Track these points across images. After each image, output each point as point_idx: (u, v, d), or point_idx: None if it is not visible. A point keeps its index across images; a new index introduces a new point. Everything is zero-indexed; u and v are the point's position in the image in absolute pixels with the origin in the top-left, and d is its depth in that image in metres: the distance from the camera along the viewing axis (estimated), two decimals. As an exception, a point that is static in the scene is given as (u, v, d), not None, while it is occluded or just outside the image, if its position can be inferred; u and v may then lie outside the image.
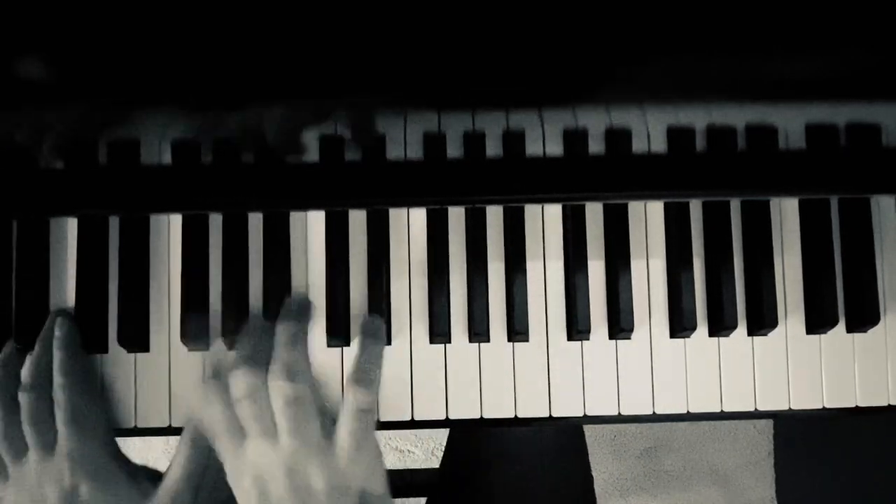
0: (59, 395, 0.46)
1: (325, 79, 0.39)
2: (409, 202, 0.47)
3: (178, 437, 0.46)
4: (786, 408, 0.50)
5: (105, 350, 0.49)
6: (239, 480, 0.42)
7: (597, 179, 0.45)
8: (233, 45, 0.37)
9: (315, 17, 0.36)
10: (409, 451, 1.26)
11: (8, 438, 0.46)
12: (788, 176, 0.45)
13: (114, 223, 0.49)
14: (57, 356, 0.47)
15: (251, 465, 0.42)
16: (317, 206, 0.48)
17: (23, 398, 0.45)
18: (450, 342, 0.49)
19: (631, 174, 0.45)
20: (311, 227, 0.50)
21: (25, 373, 0.46)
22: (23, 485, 0.45)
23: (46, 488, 0.45)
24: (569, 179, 0.45)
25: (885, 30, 0.36)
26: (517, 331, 0.48)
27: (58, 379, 0.46)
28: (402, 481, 0.92)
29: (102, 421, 0.47)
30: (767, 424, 1.23)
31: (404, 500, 0.94)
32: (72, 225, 0.50)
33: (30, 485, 0.45)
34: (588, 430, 0.70)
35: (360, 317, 0.48)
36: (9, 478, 0.46)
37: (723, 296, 0.49)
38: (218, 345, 0.48)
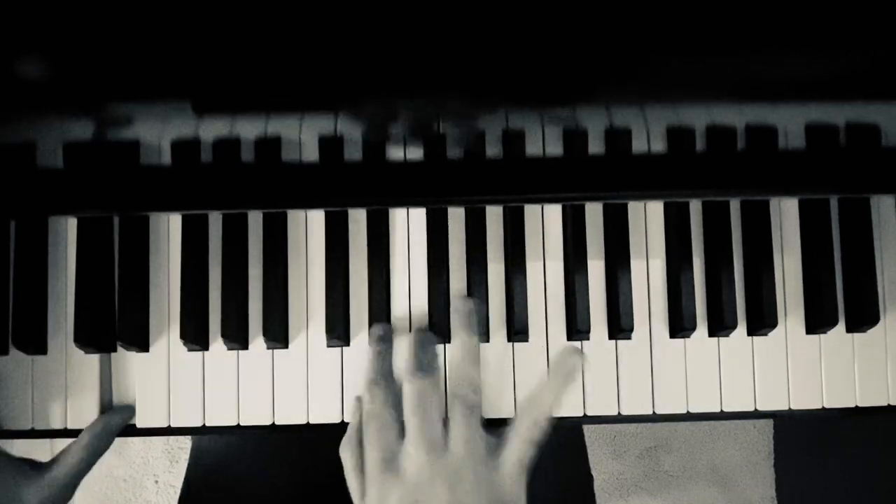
0: None
1: (325, 79, 0.39)
2: (409, 202, 0.47)
3: (178, 438, 0.46)
4: (785, 408, 0.50)
5: (108, 350, 0.49)
6: (383, 487, 0.42)
7: (596, 179, 0.45)
8: (235, 45, 0.37)
9: (307, 16, 0.36)
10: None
11: None
12: (788, 176, 0.45)
13: (113, 222, 0.49)
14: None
15: (409, 475, 0.42)
16: (316, 206, 0.48)
17: None
18: (450, 342, 0.49)
19: (631, 174, 0.45)
20: (311, 227, 0.50)
21: None
22: None
23: None
24: (568, 179, 0.45)
25: (884, 30, 0.36)
26: (517, 331, 0.48)
27: None
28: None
29: None
30: (767, 424, 1.23)
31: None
32: (70, 224, 0.49)
33: None
34: (588, 430, 0.70)
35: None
36: None
37: (723, 296, 0.49)
38: (382, 348, 0.48)
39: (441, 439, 0.43)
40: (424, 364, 0.47)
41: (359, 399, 0.48)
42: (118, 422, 0.48)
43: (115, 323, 0.49)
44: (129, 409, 0.49)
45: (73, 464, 0.46)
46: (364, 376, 0.47)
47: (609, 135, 0.48)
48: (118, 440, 0.49)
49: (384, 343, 0.48)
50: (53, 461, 0.47)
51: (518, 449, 0.44)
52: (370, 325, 0.49)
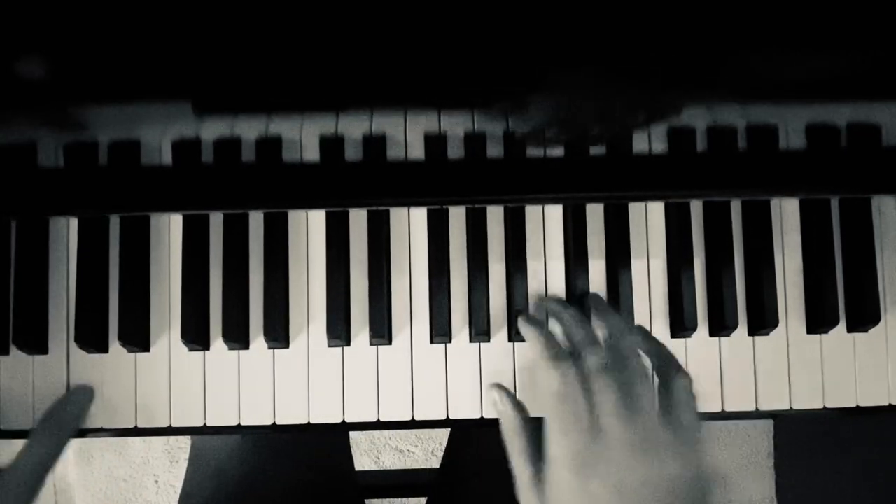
0: None
1: (320, 84, 0.39)
2: (410, 202, 0.47)
3: (178, 438, 0.46)
4: (786, 407, 0.50)
5: (105, 350, 0.49)
6: (583, 474, 0.40)
7: (597, 180, 0.45)
8: (238, 44, 0.37)
9: (308, 16, 0.36)
10: (409, 451, 1.26)
11: None
12: (789, 177, 0.45)
13: (114, 222, 0.49)
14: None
15: (607, 456, 0.40)
16: (317, 206, 0.48)
17: None
18: (450, 342, 0.49)
19: (631, 175, 0.45)
20: (312, 226, 0.50)
21: None
22: None
23: None
24: (570, 180, 0.45)
25: (886, 29, 0.36)
26: (517, 331, 0.48)
27: None
28: (402, 481, 0.92)
29: None
30: (767, 424, 1.23)
31: (404, 500, 0.94)
32: (71, 224, 0.49)
33: None
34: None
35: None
36: None
37: (723, 296, 0.49)
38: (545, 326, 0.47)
39: (634, 411, 0.41)
40: (593, 337, 0.45)
41: (499, 388, 0.47)
42: (72, 413, 0.46)
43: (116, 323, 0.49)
44: (83, 397, 0.46)
45: (29, 464, 0.43)
46: (539, 358, 0.44)
47: (609, 136, 0.48)
48: (118, 440, 0.49)
49: (536, 324, 0.47)
50: (10, 464, 0.43)
51: (689, 406, 0.43)
52: (371, 325, 0.49)
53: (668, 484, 0.40)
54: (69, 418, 0.46)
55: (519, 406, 0.47)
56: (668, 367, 0.45)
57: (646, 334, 0.48)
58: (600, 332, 0.46)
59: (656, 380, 0.46)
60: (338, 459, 0.72)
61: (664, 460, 0.40)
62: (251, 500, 0.61)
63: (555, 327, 0.48)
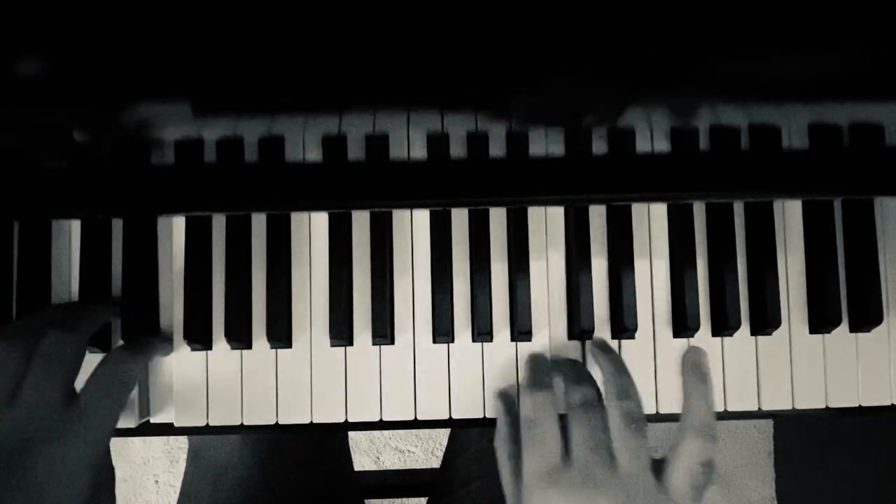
0: (50, 333, 0.42)
1: (326, 83, 0.39)
2: (412, 204, 0.47)
3: (178, 438, 0.46)
4: (789, 407, 0.50)
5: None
6: (548, 497, 0.41)
7: (599, 182, 0.45)
8: (239, 44, 0.37)
9: (309, 16, 0.36)
10: (409, 451, 1.26)
11: None
12: (792, 178, 0.45)
13: (116, 224, 0.49)
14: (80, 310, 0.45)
15: (574, 483, 0.41)
16: (319, 208, 0.48)
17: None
18: (453, 342, 0.49)
19: (634, 177, 0.45)
20: (314, 226, 0.50)
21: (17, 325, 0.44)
22: None
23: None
24: (572, 182, 0.45)
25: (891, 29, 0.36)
26: (520, 331, 0.48)
27: (58, 318, 0.43)
28: (402, 481, 0.92)
29: (75, 367, 0.43)
30: (768, 424, 1.23)
31: (404, 500, 0.94)
32: (73, 226, 0.49)
33: None
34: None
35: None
36: None
37: (726, 295, 0.49)
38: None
39: (609, 450, 0.42)
40: (582, 376, 0.46)
41: (502, 396, 0.48)
42: (150, 352, 0.46)
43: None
44: (169, 343, 0.47)
45: (103, 399, 0.42)
46: (523, 381, 0.46)
47: (612, 137, 0.48)
48: (118, 440, 0.49)
49: (541, 359, 0.48)
50: (82, 400, 0.42)
51: (686, 472, 0.41)
52: (373, 325, 0.49)
53: None
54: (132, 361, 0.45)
55: (514, 415, 0.47)
56: (697, 429, 0.43)
57: (698, 377, 0.46)
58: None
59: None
60: (337, 459, 0.72)
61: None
62: (250, 501, 0.61)
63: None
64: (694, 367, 0.45)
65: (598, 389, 0.45)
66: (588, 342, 0.49)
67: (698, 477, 0.42)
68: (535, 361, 0.48)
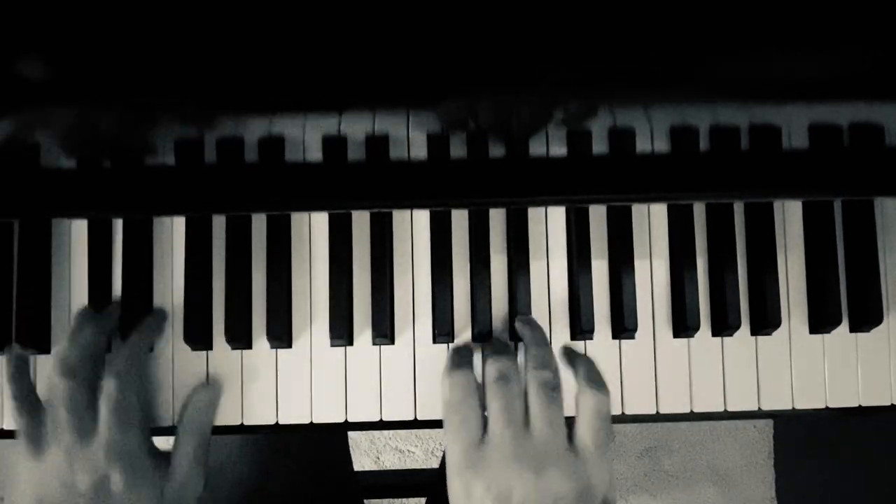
0: (109, 384, 0.44)
1: (327, 83, 0.39)
2: (412, 204, 0.47)
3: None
4: (789, 407, 0.50)
5: (108, 350, 0.49)
6: (466, 479, 0.41)
7: (600, 183, 0.45)
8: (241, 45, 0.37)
9: (309, 18, 0.36)
10: (409, 451, 1.26)
11: (32, 427, 0.44)
12: (792, 179, 0.45)
13: (116, 224, 0.49)
14: (129, 347, 0.46)
15: (493, 463, 0.41)
16: (319, 209, 0.48)
17: (60, 382, 0.43)
18: (453, 342, 0.49)
19: (634, 178, 0.45)
20: (314, 226, 0.50)
21: (70, 354, 0.44)
22: (52, 469, 0.43)
23: (79, 475, 0.42)
24: (572, 182, 0.45)
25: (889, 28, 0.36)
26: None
27: (114, 368, 0.44)
28: (402, 481, 0.92)
29: (142, 414, 0.45)
30: (767, 424, 1.23)
31: (404, 500, 0.94)
32: (74, 226, 0.49)
33: (60, 470, 0.42)
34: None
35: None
36: (41, 457, 0.43)
37: (726, 295, 0.49)
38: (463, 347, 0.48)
39: (524, 421, 0.42)
40: (502, 350, 0.46)
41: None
42: (209, 397, 0.47)
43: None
44: (217, 384, 0.48)
45: (189, 453, 0.45)
46: (443, 368, 0.46)
47: (612, 138, 0.48)
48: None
49: (464, 346, 0.48)
50: (173, 455, 0.45)
51: (587, 427, 0.42)
52: (373, 324, 0.49)
53: (552, 500, 0.40)
54: (210, 401, 0.47)
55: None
56: (588, 383, 0.44)
57: (571, 352, 0.48)
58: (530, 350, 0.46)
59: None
60: (336, 459, 0.72)
61: (545, 473, 0.40)
62: (250, 500, 0.61)
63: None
64: (565, 349, 0.48)
65: (515, 361, 0.45)
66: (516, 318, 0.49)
67: (600, 429, 0.42)
68: (459, 346, 0.48)
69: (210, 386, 0.48)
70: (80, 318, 0.47)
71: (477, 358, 0.48)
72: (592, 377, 0.44)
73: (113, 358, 0.45)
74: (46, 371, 0.48)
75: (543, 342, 0.46)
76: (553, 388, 0.43)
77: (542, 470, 0.40)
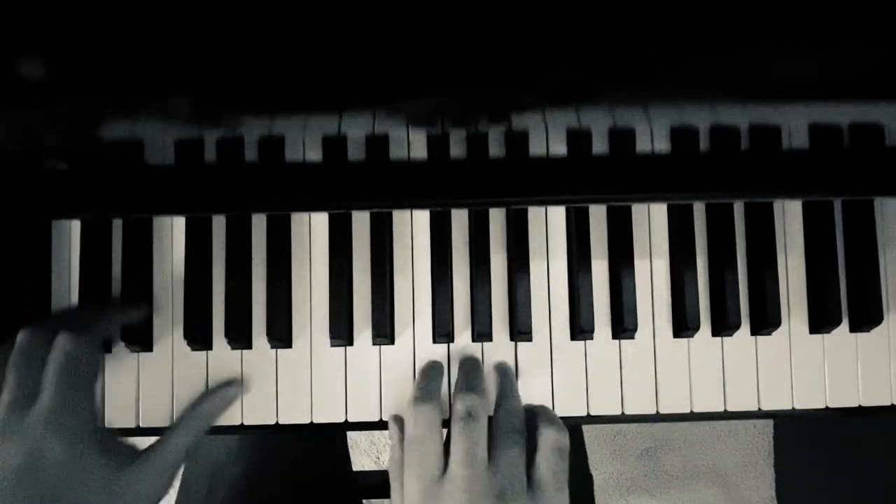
0: (61, 342, 0.40)
1: (327, 80, 0.39)
2: (412, 205, 0.47)
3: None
4: (789, 407, 0.50)
5: (108, 349, 0.49)
6: None
7: (600, 183, 0.45)
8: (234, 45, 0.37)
9: (311, 16, 0.36)
10: (409, 451, 1.26)
11: None
12: (793, 179, 0.45)
13: (116, 224, 0.49)
14: (96, 313, 0.44)
15: (447, 499, 0.40)
16: (319, 209, 0.48)
17: (21, 336, 0.40)
18: (453, 342, 0.49)
19: (634, 178, 0.45)
20: (314, 226, 0.50)
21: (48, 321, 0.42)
22: None
23: (7, 445, 0.38)
24: (572, 183, 0.45)
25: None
26: (520, 331, 0.48)
27: (76, 326, 0.41)
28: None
29: (93, 388, 0.42)
30: (767, 424, 1.23)
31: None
32: (74, 226, 0.49)
33: None
34: (588, 430, 0.70)
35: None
36: None
37: (726, 295, 0.49)
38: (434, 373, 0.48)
39: (487, 462, 0.42)
40: (474, 386, 0.46)
41: (395, 419, 0.46)
42: (218, 404, 0.46)
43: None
44: (230, 390, 0.47)
45: (171, 449, 0.44)
46: (409, 398, 0.45)
47: (612, 139, 0.48)
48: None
49: (433, 369, 0.48)
50: (150, 448, 0.44)
51: (546, 462, 0.42)
52: (373, 324, 0.49)
53: None
54: (211, 410, 0.47)
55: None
56: (547, 422, 0.44)
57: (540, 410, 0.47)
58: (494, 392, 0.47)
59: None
60: (336, 459, 0.72)
61: None
62: (249, 500, 0.61)
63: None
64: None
65: (484, 397, 0.44)
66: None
67: (557, 464, 0.42)
68: (428, 369, 0.48)
69: (235, 384, 0.48)
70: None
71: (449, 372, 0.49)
72: (549, 414, 0.45)
73: (77, 315, 0.43)
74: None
75: (512, 391, 0.47)
76: (518, 432, 0.43)
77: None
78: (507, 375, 0.48)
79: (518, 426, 0.44)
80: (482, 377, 0.48)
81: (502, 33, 0.37)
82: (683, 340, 0.50)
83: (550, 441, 0.43)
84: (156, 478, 0.43)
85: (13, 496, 0.37)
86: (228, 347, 0.49)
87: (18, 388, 0.39)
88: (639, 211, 0.50)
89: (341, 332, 0.48)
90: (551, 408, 0.49)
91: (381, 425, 0.49)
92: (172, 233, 0.50)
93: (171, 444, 0.45)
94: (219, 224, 0.49)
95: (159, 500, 0.43)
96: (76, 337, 0.41)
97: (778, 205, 0.51)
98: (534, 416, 0.45)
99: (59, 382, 0.39)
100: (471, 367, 0.48)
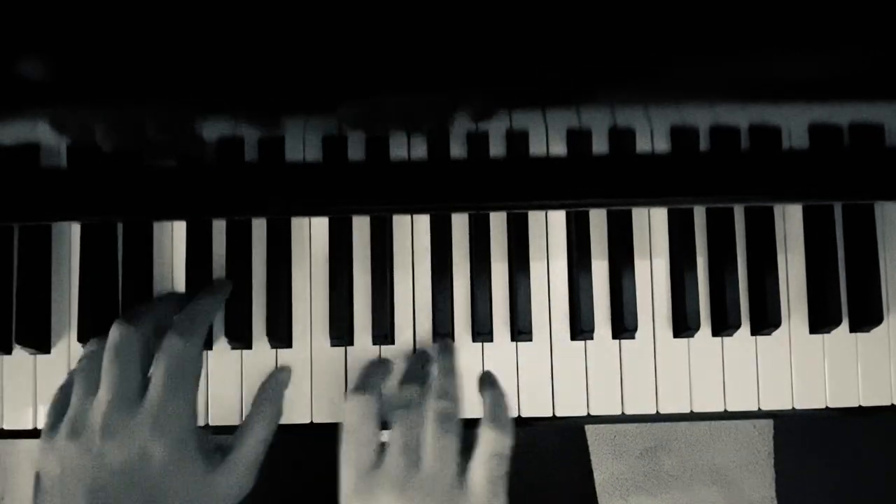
0: (170, 343, 0.40)
1: (323, 77, 0.39)
2: (412, 209, 0.47)
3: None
4: (789, 407, 0.50)
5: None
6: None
7: (600, 188, 0.45)
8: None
9: (311, 16, 0.36)
10: (409, 451, 1.26)
11: (88, 378, 0.40)
12: (794, 183, 0.45)
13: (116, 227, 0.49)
14: (199, 304, 0.44)
15: (378, 489, 0.40)
16: (319, 213, 0.48)
17: (116, 332, 0.40)
18: (453, 342, 0.49)
19: (634, 182, 0.45)
20: (315, 227, 0.50)
21: (140, 310, 0.42)
22: (75, 445, 0.38)
23: (110, 444, 0.38)
24: (573, 188, 0.45)
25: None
26: (521, 330, 0.48)
27: (181, 326, 0.41)
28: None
29: (196, 388, 0.42)
30: (767, 424, 1.23)
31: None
32: (75, 227, 0.49)
33: (88, 443, 0.38)
34: (588, 429, 0.70)
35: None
36: (59, 430, 0.39)
37: (726, 295, 0.49)
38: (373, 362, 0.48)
39: (418, 451, 0.41)
40: (416, 376, 0.45)
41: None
42: (279, 391, 0.46)
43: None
44: (283, 374, 0.47)
45: (253, 442, 0.44)
46: (348, 390, 0.44)
47: (612, 140, 0.48)
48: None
49: (381, 364, 0.48)
50: (232, 445, 0.43)
51: (481, 467, 0.40)
52: (373, 325, 0.49)
53: None
54: (277, 398, 0.46)
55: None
56: (491, 420, 0.42)
57: (485, 381, 0.46)
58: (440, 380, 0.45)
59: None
60: (336, 459, 0.72)
61: None
62: (248, 500, 0.61)
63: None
64: (485, 377, 0.47)
65: (423, 388, 0.44)
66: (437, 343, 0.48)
67: (494, 469, 0.40)
68: (373, 364, 0.47)
69: (285, 369, 0.47)
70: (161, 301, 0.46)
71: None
72: (497, 414, 0.42)
73: (180, 316, 0.42)
74: (48, 370, 0.48)
75: (450, 370, 0.44)
76: (448, 419, 0.41)
77: (426, 502, 0.39)
78: (445, 352, 0.46)
79: (450, 411, 0.41)
80: (429, 370, 0.46)
81: (503, 34, 0.37)
82: (683, 340, 0.50)
83: (488, 441, 0.40)
84: (244, 473, 0.43)
85: (115, 497, 0.38)
86: (228, 347, 0.49)
87: (120, 386, 0.39)
88: (639, 211, 0.50)
89: (341, 333, 0.48)
90: (513, 406, 0.46)
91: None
92: (173, 234, 0.50)
93: (253, 437, 0.44)
94: (219, 225, 0.49)
95: (245, 493, 0.44)
96: (185, 338, 0.41)
97: (778, 205, 0.50)
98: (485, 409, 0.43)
99: (168, 384, 0.40)
100: (420, 359, 0.47)
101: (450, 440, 0.40)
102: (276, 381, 0.47)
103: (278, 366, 0.49)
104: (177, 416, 0.40)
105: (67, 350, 0.49)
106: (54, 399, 0.42)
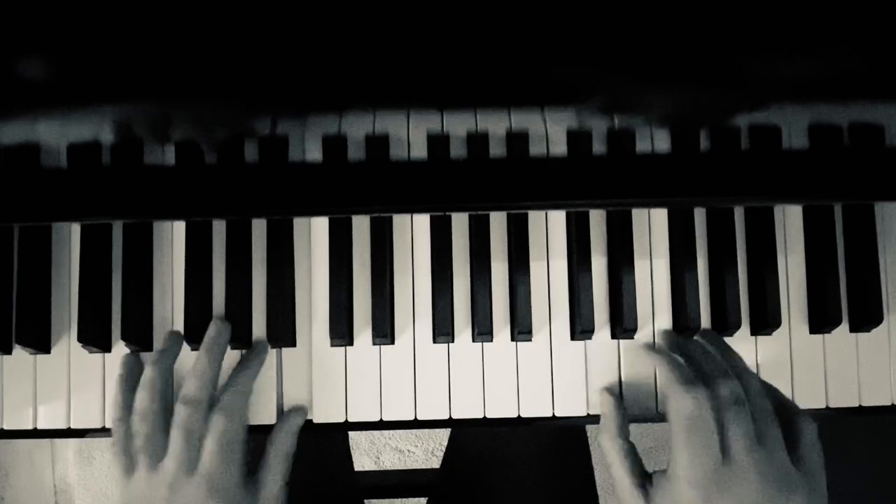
0: (219, 420, 0.45)
1: (326, 78, 0.39)
2: (413, 209, 0.47)
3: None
4: (789, 407, 0.50)
5: (108, 349, 0.49)
6: (709, 494, 0.42)
7: (600, 188, 0.45)
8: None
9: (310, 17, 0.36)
10: (409, 451, 1.26)
11: (150, 441, 0.44)
12: (794, 184, 0.45)
13: (116, 227, 0.49)
14: (238, 381, 0.47)
15: (737, 482, 0.42)
16: (319, 214, 0.48)
17: (182, 409, 0.44)
18: (453, 342, 0.49)
19: (634, 183, 0.45)
20: (315, 227, 0.50)
21: (191, 385, 0.45)
22: (148, 492, 0.44)
23: (174, 497, 0.43)
24: (572, 187, 0.45)
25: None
26: (520, 330, 0.48)
27: (224, 404, 0.45)
28: (402, 481, 0.92)
29: (244, 447, 0.46)
30: (767, 424, 1.23)
31: (404, 500, 0.94)
32: (75, 227, 0.49)
33: (157, 495, 0.44)
34: (588, 430, 0.70)
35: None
36: (134, 477, 0.45)
37: (727, 296, 0.49)
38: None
39: (760, 444, 0.43)
40: (724, 370, 0.46)
41: (610, 390, 0.49)
42: (298, 422, 0.49)
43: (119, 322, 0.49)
44: (303, 410, 0.49)
45: (279, 476, 0.47)
46: (670, 382, 0.45)
47: (611, 141, 0.48)
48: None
49: (172, 342, 0.48)
50: (261, 479, 0.46)
51: (814, 449, 0.44)
52: (373, 324, 0.49)
53: None
54: (297, 427, 0.49)
55: (622, 411, 0.48)
56: (790, 410, 0.46)
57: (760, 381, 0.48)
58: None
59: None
60: (336, 459, 0.72)
61: (793, 497, 0.42)
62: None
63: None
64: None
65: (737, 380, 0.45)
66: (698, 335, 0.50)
67: (820, 452, 0.45)
68: (670, 355, 0.48)
69: (301, 410, 0.49)
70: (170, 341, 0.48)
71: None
72: (798, 408, 0.46)
73: (222, 394, 0.46)
74: (48, 370, 0.48)
75: (746, 371, 0.47)
76: (770, 413, 0.44)
77: (792, 493, 0.42)
78: (723, 348, 0.48)
79: (769, 407, 0.44)
80: (719, 360, 0.48)
81: (503, 34, 0.37)
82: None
83: (810, 429, 0.45)
84: (275, 487, 0.47)
85: None
86: (229, 348, 0.49)
87: (186, 449, 0.44)
88: (639, 211, 0.50)
89: (341, 332, 0.48)
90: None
91: (380, 425, 0.49)
92: (173, 234, 0.50)
93: (275, 474, 0.47)
94: (219, 225, 0.49)
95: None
96: (228, 416, 0.45)
97: (778, 206, 0.50)
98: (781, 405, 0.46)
99: (218, 457, 0.44)
100: (700, 349, 0.48)
101: (778, 432, 0.44)
102: (291, 426, 0.48)
103: (293, 407, 0.49)
104: (228, 477, 0.44)
105: (67, 350, 0.49)
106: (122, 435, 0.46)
